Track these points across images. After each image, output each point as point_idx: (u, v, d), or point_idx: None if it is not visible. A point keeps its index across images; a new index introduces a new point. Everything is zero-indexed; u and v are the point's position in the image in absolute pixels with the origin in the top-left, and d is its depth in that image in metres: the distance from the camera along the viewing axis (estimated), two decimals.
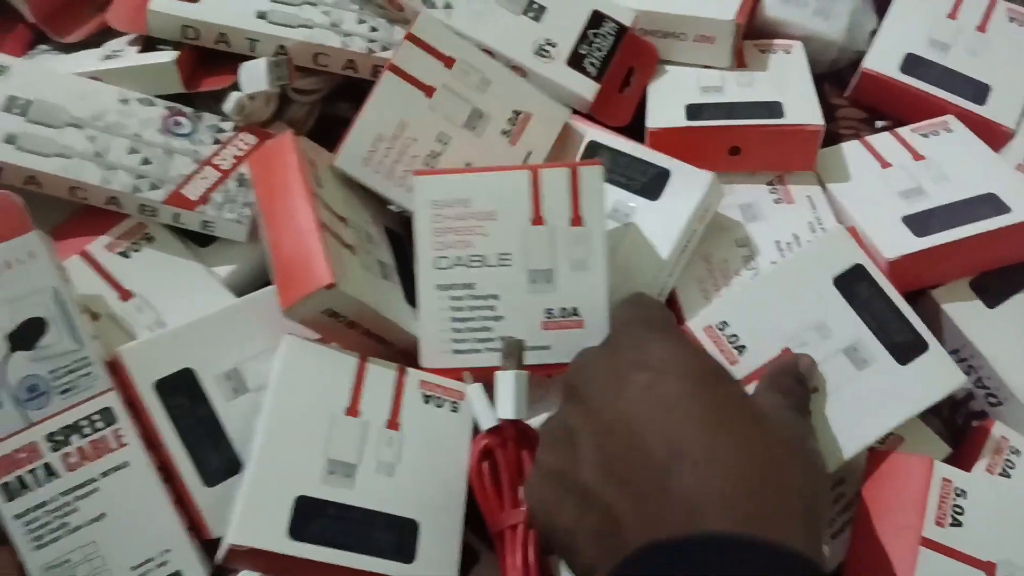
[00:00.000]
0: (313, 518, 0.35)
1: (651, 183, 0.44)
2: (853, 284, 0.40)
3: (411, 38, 0.43)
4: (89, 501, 0.37)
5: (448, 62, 0.44)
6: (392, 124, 0.43)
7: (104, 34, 0.47)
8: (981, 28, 0.52)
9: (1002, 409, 0.44)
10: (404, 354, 0.41)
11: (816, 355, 0.39)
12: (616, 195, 0.44)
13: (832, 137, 0.50)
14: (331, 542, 0.35)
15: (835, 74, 0.53)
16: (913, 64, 0.51)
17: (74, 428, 0.38)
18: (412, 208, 0.40)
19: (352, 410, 0.38)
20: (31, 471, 0.37)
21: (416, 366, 0.40)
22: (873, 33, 0.52)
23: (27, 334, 0.38)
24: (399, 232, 0.45)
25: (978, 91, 0.50)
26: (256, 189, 0.41)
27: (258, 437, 0.36)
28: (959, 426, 0.46)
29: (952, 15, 0.52)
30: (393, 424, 0.38)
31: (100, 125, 0.42)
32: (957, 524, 0.36)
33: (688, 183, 0.43)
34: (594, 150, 0.45)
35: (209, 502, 0.39)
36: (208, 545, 0.39)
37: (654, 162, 0.44)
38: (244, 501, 0.35)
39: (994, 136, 0.49)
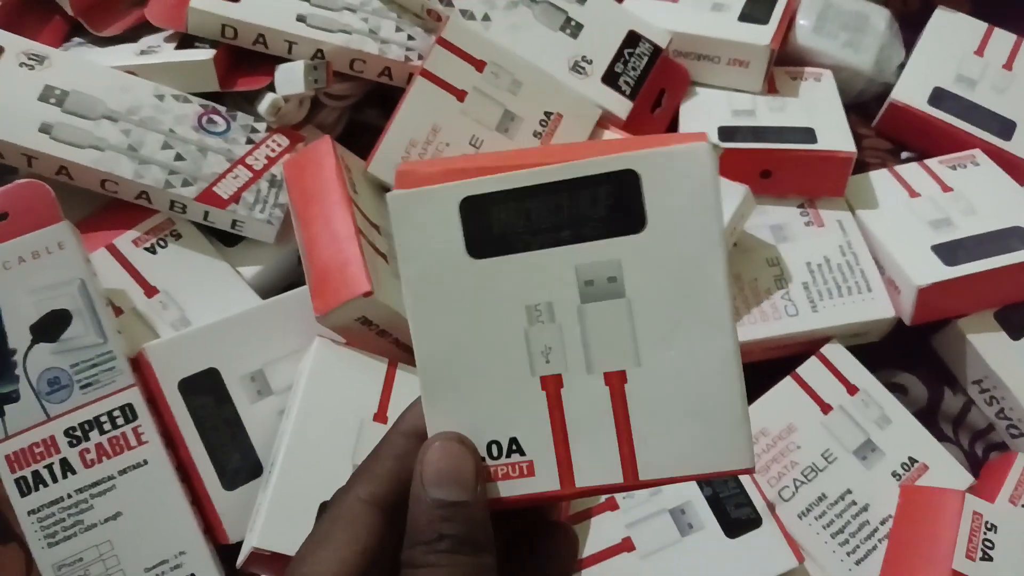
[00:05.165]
0: None
1: None
2: None
3: (442, 42, 0.43)
4: (105, 499, 0.36)
5: (479, 65, 0.44)
6: (425, 128, 0.43)
7: (139, 29, 0.47)
8: (1007, 66, 0.52)
9: (1023, 441, 0.44)
10: None
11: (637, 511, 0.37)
12: None
13: (858, 166, 0.50)
14: None
15: (860, 105, 0.54)
16: (940, 98, 0.51)
17: (94, 423, 0.37)
18: None
19: (381, 416, 0.37)
20: (47, 466, 0.36)
21: None
22: (901, 66, 0.53)
23: (51, 326, 0.37)
24: None
25: (1004, 127, 0.51)
26: (291, 193, 0.41)
27: (285, 440, 0.36)
28: (979, 457, 0.46)
29: (979, 52, 0.53)
30: None
31: (135, 119, 0.42)
32: (988, 559, 0.36)
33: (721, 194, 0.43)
34: None
35: (227, 505, 0.38)
36: (222, 549, 0.38)
37: None
38: (270, 505, 0.34)
39: (1019, 172, 0.49)
